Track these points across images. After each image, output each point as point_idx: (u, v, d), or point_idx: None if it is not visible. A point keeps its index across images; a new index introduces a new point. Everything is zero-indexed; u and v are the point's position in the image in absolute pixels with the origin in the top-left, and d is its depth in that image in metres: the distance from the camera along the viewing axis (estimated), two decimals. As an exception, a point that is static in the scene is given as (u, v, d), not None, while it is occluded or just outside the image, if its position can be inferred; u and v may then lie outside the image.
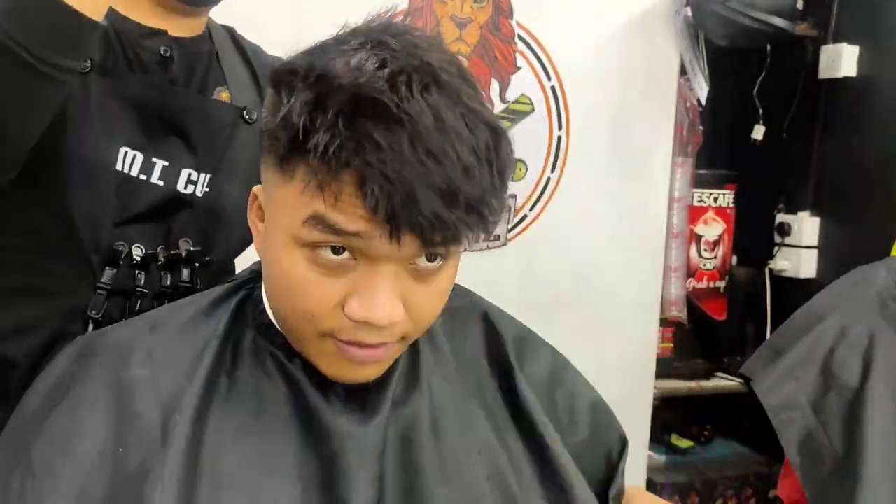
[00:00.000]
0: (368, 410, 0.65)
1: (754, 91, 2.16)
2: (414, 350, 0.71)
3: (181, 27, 0.89)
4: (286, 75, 0.57)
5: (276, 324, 0.67)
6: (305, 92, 0.54)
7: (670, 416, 2.20)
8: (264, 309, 0.68)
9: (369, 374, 0.64)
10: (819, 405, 1.20)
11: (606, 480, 0.78)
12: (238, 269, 0.86)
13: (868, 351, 1.20)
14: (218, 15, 1.61)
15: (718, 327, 2.19)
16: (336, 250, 0.57)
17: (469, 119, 0.55)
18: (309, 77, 0.55)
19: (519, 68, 1.78)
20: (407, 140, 0.52)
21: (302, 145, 0.54)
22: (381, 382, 0.67)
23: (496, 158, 0.56)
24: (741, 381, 2.05)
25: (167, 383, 0.64)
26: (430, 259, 0.58)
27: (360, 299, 0.57)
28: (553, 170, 1.84)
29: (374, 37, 0.56)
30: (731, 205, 2.20)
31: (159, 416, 0.62)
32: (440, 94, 0.54)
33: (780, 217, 2.24)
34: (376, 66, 0.54)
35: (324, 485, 0.62)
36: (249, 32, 1.57)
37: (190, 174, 0.88)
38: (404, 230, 0.54)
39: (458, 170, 0.53)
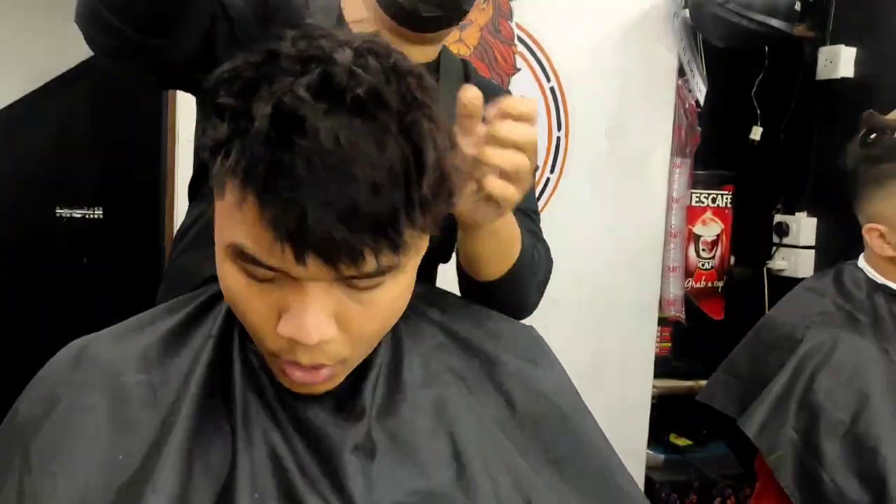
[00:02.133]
0: (349, 414, 0.66)
1: (752, 92, 2.17)
2: (396, 339, 0.71)
3: (411, 53, 0.89)
4: (214, 92, 0.56)
5: None
6: (223, 114, 0.54)
7: (669, 415, 2.21)
8: None
9: (319, 389, 0.64)
10: (811, 441, 1.19)
11: None
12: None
13: (853, 379, 1.20)
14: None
15: (717, 327, 2.20)
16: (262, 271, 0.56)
17: (381, 137, 0.52)
18: (228, 98, 0.54)
19: (518, 70, 1.79)
20: (305, 160, 0.50)
21: (223, 168, 0.54)
22: (358, 377, 0.67)
23: (416, 176, 0.53)
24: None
25: (165, 387, 0.64)
26: (363, 277, 0.56)
27: (289, 317, 0.57)
28: (552, 171, 1.85)
29: (299, 52, 0.55)
30: (730, 205, 2.21)
31: (158, 421, 0.63)
32: (351, 113, 0.52)
33: (778, 217, 2.25)
34: (288, 88, 0.52)
35: (303, 472, 0.62)
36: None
37: None
38: (307, 252, 0.52)
39: (362, 189, 0.51)
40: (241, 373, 0.66)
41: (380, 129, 0.52)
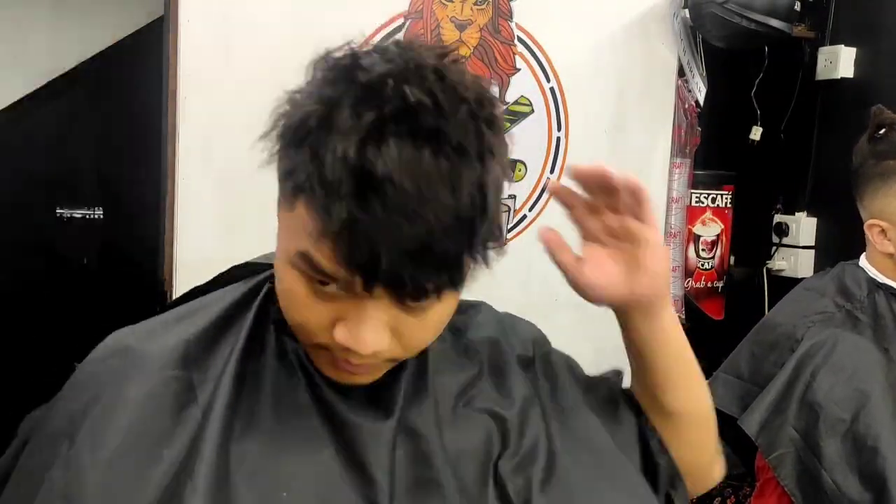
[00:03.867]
0: (382, 409, 0.67)
1: (752, 92, 2.17)
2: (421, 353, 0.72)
3: None
4: (287, 116, 0.58)
5: None
6: (300, 141, 0.56)
7: (669, 415, 2.21)
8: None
9: (364, 380, 0.66)
10: (811, 439, 1.19)
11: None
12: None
13: (853, 378, 1.20)
14: (216, 15, 1.62)
15: (717, 327, 2.21)
16: (324, 281, 0.58)
17: (456, 182, 0.54)
18: (302, 126, 0.56)
19: (518, 70, 1.79)
20: (382, 204, 0.52)
21: (298, 191, 0.56)
22: (392, 382, 0.69)
23: (481, 220, 0.56)
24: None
25: (202, 383, 0.66)
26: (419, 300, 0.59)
27: (345, 328, 0.59)
28: (552, 171, 1.85)
29: (368, 76, 0.55)
30: (729, 205, 2.21)
31: (199, 416, 0.64)
32: (428, 145, 0.53)
33: (778, 217, 2.26)
34: (365, 120, 0.53)
35: (343, 473, 0.64)
36: (248, 32, 1.59)
37: None
38: (375, 284, 0.55)
39: (435, 232, 0.53)
40: (275, 367, 0.68)
41: (455, 175, 0.54)
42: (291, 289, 0.61)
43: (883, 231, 1.25)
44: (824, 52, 2.12)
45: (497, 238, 0.59)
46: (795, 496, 1.19)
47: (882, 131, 1.25)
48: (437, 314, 0.62)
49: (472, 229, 0.55)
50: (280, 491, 0.62)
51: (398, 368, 0.69)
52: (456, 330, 0.78)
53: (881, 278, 1.29)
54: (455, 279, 0.57)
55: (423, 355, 0.72)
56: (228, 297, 0.73)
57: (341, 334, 0.59)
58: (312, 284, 0.59)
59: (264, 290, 0.73)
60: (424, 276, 0.55)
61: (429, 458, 0.66)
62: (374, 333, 0.59)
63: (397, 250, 0.53)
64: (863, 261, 1.33)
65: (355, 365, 0.62)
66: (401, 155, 0.52)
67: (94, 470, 0.61)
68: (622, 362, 2.21)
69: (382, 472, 0.63)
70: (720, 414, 1.35)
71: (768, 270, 2.24)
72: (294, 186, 0.56)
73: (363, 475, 0.63)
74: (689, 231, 2.16)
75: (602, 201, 0.75)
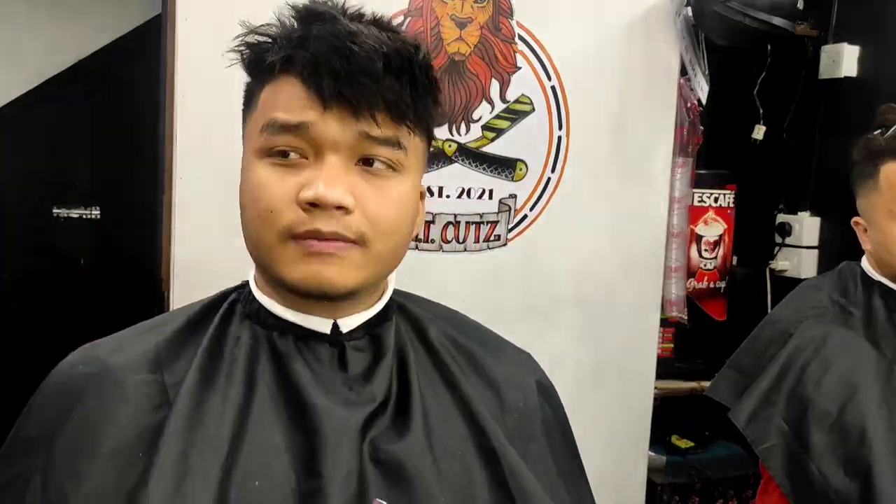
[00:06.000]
0: (355, 391, 0.69)
1: (755, 91, 2.16)
2: (400, 349, 0.74)
3: None
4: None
5: (265, 306, 0.71)
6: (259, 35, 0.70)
7: (671, 416, 2.20)
8: (254, 297, 0.73)
9: (332, 274, 0.67)
10: (800, 431, 1.21)
11: None
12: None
13: (842, 371, 1.22)
14: (214, 13, 1.61)
15: (719, 327, 2.20)
16: (287, 150, 0.67)
17: (393, 35, 0.67)
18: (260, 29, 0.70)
19: (519, 68, 1.78)
20: (331, 26, 0.65)
21: (259, 69, 0.69)
22: (368, 368, 0.71)
23: (419, 64, 0.67)
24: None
25: (173, 385, 0.67)
26: (371, 163, 0.67)
27: (310, 185, 0.65)
28: (553, 170, 1.84)
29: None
30: (732, 205, 2.20)
31: (166, 414, 0.65)
32: (366, 20, 0.68)
33: (781, 217, 2.25)
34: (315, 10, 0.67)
35: (305, 458, 0.65)
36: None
37: None
38: (333, 96, 0.64)
39: (381, 49, 0.64)
40: (246, 358, 0.69)
41: (392, 32, 0.67)
42: (258, 179, 0.67)
43: (865, 229, 1.30)
44: (827, 51, 2.11)
45: (434, 101, 0.70)
46: (784, 486, 1.21)
47: (877, 132, 1.29)
48: (394, 193, 0.68)
49: (410, 66, 0.66)
50: (251, 479, 0.63)
51: (378, 356, 0.71)
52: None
53: (875, 276, 1.32)
54: (402, 110, 0.66)
55: (402, 353, 0.74)
56: (198, 304, 0.76)
57: (306, 191, 0.65)
58: (276, 166, 0.66)
59: (233, 294, 0.76)
60: (376, 86, 0.64)
61: (405, 451, 0.67)
62: (337, 183, 0.65)
63: (350, 60, 0.63)
64: (864, 258, 1.36)
65: (324, 242, 0.65)
66: (338, 13, 0.68)
67: (73, 479, 0.62)
68: (622, 362, 2.20)
69: (349, 457, 0.65)
70: (723, 416, 1.36)
71: (771, 270, 2.24)
72: (256, 71, 0.69)
73: (328, 464, 0.64)
74: (692, 231, 2.15)
75: None
